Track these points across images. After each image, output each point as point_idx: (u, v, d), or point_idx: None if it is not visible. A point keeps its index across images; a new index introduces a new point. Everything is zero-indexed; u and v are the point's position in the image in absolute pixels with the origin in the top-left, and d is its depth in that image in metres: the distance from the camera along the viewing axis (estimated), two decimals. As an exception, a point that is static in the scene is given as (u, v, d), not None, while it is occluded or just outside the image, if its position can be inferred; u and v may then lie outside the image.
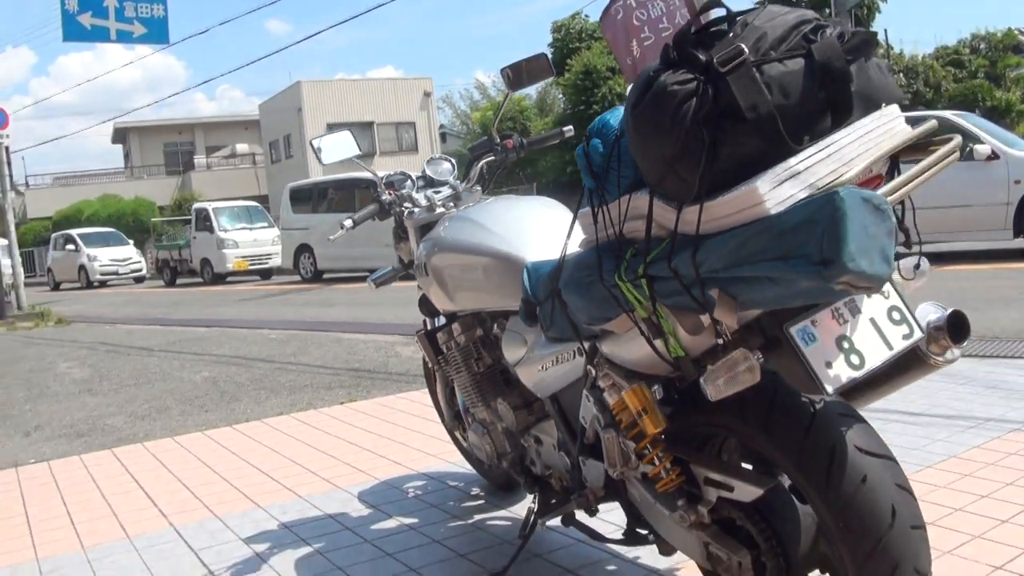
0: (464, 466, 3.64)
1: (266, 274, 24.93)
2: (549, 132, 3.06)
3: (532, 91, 38.51)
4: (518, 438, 2.61)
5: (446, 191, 3.04)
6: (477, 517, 3.15)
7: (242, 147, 49.56)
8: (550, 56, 3.00)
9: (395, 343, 8.00)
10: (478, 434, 2.77)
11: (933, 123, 1.55)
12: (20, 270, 18.32)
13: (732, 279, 1.41)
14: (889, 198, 1.36)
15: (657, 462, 1.85)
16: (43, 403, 6.47)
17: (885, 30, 30.25)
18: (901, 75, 30.23)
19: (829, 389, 1.50)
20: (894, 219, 1.34)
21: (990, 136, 10.69)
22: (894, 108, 1.51)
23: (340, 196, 19.94)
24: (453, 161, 3.15)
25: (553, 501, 2.44)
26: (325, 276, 20.80)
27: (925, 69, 31.29)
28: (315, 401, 5.58)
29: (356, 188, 18.91)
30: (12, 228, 18.46)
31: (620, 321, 1.71)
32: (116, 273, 30.41)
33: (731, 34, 1.47)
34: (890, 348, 1.58)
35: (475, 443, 2.85)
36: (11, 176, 19.79)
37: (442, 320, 2.97)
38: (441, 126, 45.08)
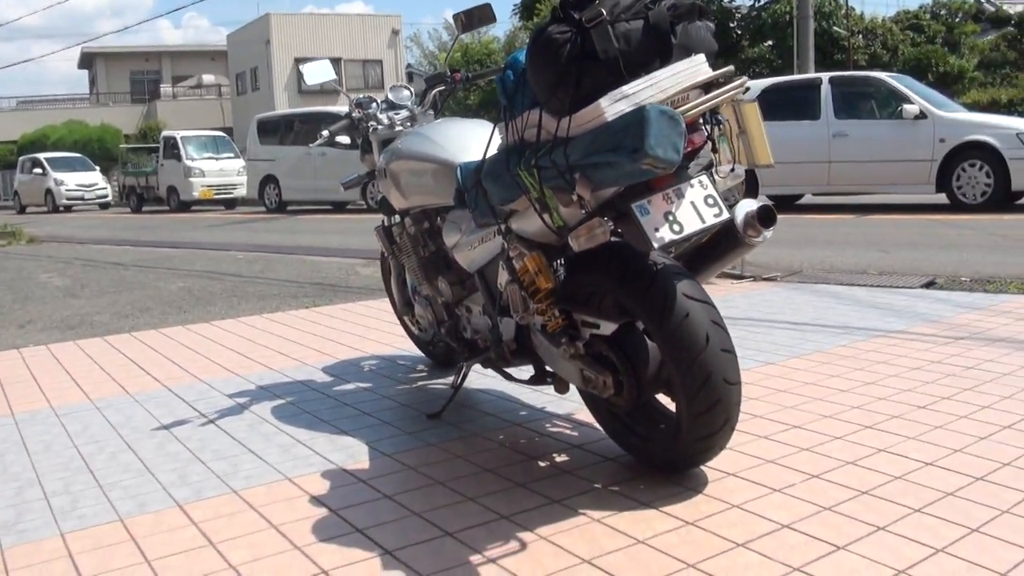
0: (412, 350, 4.33)
1: (231, 204, 25.41)
2: (489, 69, 3.71)
3: (501, 34, 39.01)
4: (454, 308, 3.32)
5: (404, 113, 3.73)
6: (420, 383, 3.85)
7: (208, 78, 49.56)
8: (520, 4, 3.66)
9: (356, 264, 8.64)
10: (423, 307, 3.49)
11: (730, 68, 2.22)
12: (-11, 190, 18.70)
13: (587, 166, 2.12)
14: (688, 113, 2.07)
15: (547, 310, 2.54)
16: (30, 304, 7.06)
17: (847, -10, 30.90)
18: (860, 36, 30.90)
19: (655, 245, 2.19)
20: (683, 125, 2.02)
21: (919, 97, 11.46)
22: (701, 56, 2.21)
23: (306, 129, 20.33)
24: (412, 89, 3.82)
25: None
26: (289, 208, 21.34)
27: (884, 32, 31.99)
28: (283, 306, 6.22)
29: (322, 121, 19.41)
30: (-19, 149, 18.80)
31: (520, 201, 2.42)
32: (82, 198, 30.71)
33: (597, 1, 2.14)
34: (703, 221, 2.26)
35: (420, 314, 3.55)
36: (-19, 97, 20.06)
37: (397, 219, 3.65)
38: (408, 65, 45.18)
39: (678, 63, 2.18)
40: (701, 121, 2.31)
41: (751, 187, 12.52)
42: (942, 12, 35.45)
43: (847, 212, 12.08)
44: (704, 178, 2.32)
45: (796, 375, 3.64)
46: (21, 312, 6.63)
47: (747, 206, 2.43)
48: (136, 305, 6.66)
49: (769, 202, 2.48)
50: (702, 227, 2.26)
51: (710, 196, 2.30)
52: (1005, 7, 36.61)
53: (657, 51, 2.17)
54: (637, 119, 2.00)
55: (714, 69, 2.23)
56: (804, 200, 13.87)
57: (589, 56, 2.13)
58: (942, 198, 11.48)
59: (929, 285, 5.83)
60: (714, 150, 2.37)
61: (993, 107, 21.90)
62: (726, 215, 2.30)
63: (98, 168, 32.66)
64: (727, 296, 5.65)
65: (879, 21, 33.34)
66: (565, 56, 2.13)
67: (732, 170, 2.46)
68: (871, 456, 2.68)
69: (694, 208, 2.26)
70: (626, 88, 2.10)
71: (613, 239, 2.38)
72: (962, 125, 11.26)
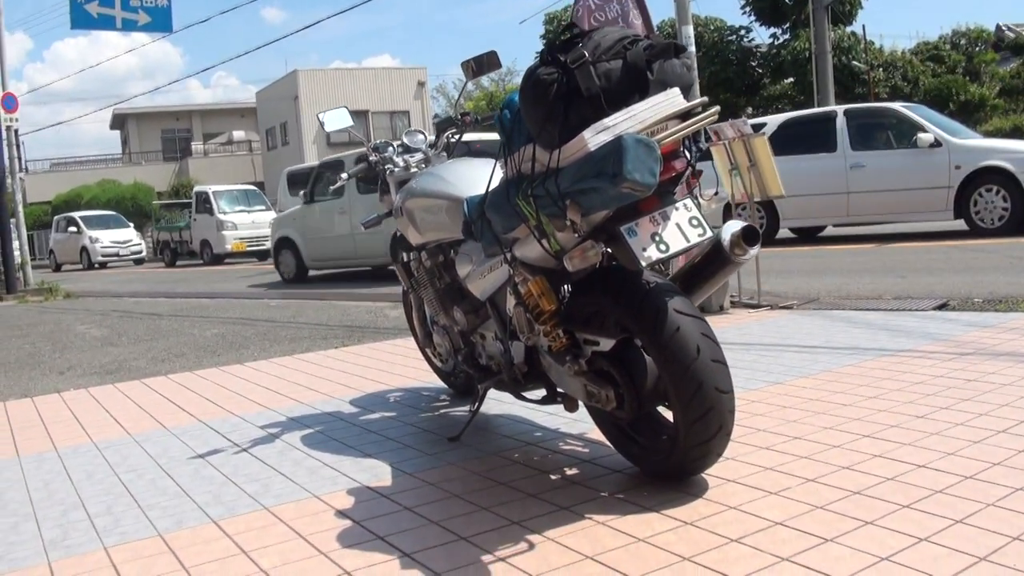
0: (436, 382, 4.51)
1: (263, 255, 25.77)
2: (494, 112, 3.91)
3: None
4: (469, 336, 3.50)
5: (419, 155, 3.96)
6: (442, 411, 4.03)
7: (239, 134, 50.35)
8: (543, 45, 3.87)
9: (384, 307, 8.85)
10: (440, 335, 3.68)
11: (703, 99, 2.42)
12: (27, 248, 19.16)
13: (576, 192, 2.31)
14: (663, 140, 2.26)
15: (552, 331, 2.72)
16: (70, 352, 7.30)
17: (863, 26, 31.06)
18: (880, 69, 31.07)
19: (643, 264, 2.38)
20: (659, 151, 2.21)
21: (934, 126, 11.60)
22: (675, 90, 2.40)
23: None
24: (425, 132, 4.05)
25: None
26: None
27: (904, 64, 32.16)
28: (313, 347, 6.43)
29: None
30: (20, 209, 19.30)
31: (521, 229, 2.63)
32: (117, 255, 31.23)
33: (580, 44, 2.35)
34: (687, 241, 2.45)
35: (438, 343, 3.75)
36: (21, 159, 20.60)
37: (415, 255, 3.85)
38: (435, 115, 45.65)
39: (654, 96, 2.37)
40: (682, 149, 2.50)
41: (772, 220, 12.68)
42: (962, 42, 35.60)
43: (868, 242, 12.19)
44: (688, 201, 2.51)
45: (802, 392, 3.78)
46: (61, 360, 6.87)
47: (732, 227, 2.60)
48: (172, 351, 6.89)
49: (753, 223, 2.65)
50: (687, 246, 2.45)
51: (694, 218, 2.48)
52: (1025, 34, 36.68)
53: (635, 87, 2.37)
54: (616, 147, 2.20)
55: (693, 100, 2.43)
56: (827, 232, 13.99)
57: (574, 93, 2.34)
58: (961, 224, 11.58)
59: (942, 307, 5.94)
60: (694, 175, 2.55)
61: (1016, 133, 21.99)
62: (709, 234, 2.49)
63: (132, 225, 33.23)
64: (743, 324, 5.80)
65: (899, 54, 33.53)
66: (552, 94, 2.35)
67: (716, 193, 2.64)
68: (866, 461, 2.82)
69: (679, 229, 2.45)
70: (607, 120, 2.30)
71: (612, 264, 2.57)
72: (977, 151, 11.38)
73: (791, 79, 31.66)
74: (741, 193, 6.83)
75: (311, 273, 15.10)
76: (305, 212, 14.86)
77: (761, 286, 6.89)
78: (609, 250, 2.49)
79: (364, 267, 13.69)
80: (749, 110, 32.05)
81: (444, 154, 3.98)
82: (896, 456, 2.84)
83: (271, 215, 24.94)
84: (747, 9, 32.29)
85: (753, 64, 32.72)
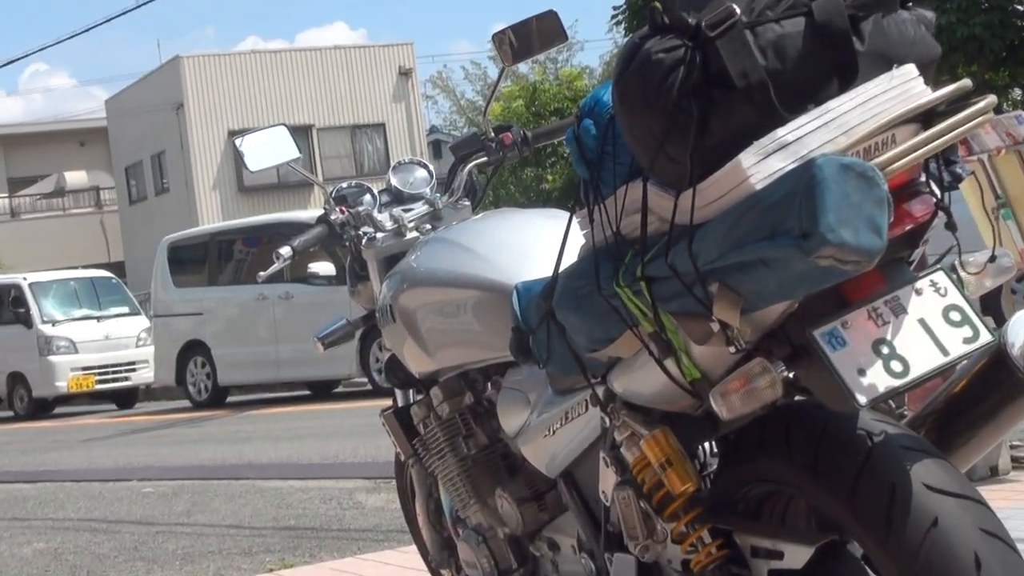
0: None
1: (127, 398, 25.82)
2: (559, 123, 3.88)
3: (596, 62, 39.46)
4: (527, 545, 3.43)
5: (420, 208, 3.91)
6: None
7: (75, 177, 50.73)
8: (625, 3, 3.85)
9: (355, 490, 8.83)
10: (472, 546, 3.60)
11: (965, 82, 2.37)
12: None
13: (729, 269, 2.24)
14: (891, 166, 2.20)
15: (690, 532, 2.66)
16: None
17: None
18: None
19: (862, 400, 2.29)
20: (886, 188, 2.15)
21: None
22: (910, 68, 2.33)
23: (256, 255, 20.63)
24: (428, 166, 4.01)
25: None
26: (232, 398, 21.64)
27: None
28: (226, 570, 6.39)
29: (282, 238, 19.63)
30: None
31: (625, 341, 2.55)
32: None
33: None
34: (945, 354, 2.37)
35: (467, 559, 3.67)
36: None
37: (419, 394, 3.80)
38: (432, 128, 45.90)
39: (869, 83, 2.31)
40: (923, 177, 2.44)
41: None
42: None
43: None
44: (940, 275, 2.43)
45: None
46: None
47: (1028, 321, 2.54)
48: (-42, 590, 6.88)
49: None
50: (943, 364, 2.37)
51: (955, 308, 2.42)
52: None
53: (832, 67, 2.31)
54: (804, 182, 2.11)
55: (941, 87, 2.38)
56: None
57: (717, 84, 2.26)
58: None
59: None
60: (951, 225, 2.48)
61: None
62: (986, 338, 2.42)
63: None
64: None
65: None
66: (678, 88, 2.26)
67: (993, 259, 2.58)
68: None
69: (926, 331, 2.38)
70: (782, 132, 2.23)
71: (799, 401, 2.51)
72: None
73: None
74: (1020, 250, 6.74)
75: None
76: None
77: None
78: (792, 375, 2.43)
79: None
80: (1018, 93, 31.97)
81: (467, 202, 3.96)
82: None
83: (140, 323, 25.02)
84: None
85: (1021, 9, 32.64)
